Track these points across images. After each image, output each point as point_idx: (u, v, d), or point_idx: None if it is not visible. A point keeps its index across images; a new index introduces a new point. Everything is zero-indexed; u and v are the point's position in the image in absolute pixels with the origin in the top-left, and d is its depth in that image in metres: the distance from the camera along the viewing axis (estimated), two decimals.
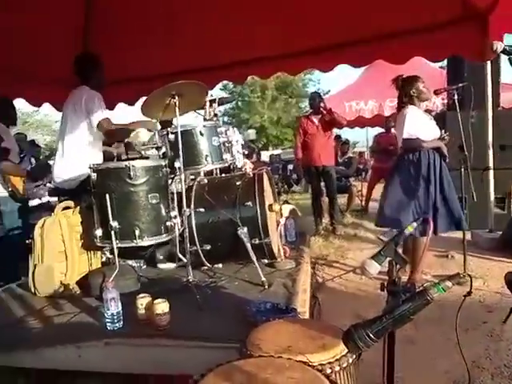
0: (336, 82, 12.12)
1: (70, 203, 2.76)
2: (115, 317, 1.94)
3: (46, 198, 4.74)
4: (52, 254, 2.53)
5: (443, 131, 3.41)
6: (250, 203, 2.66)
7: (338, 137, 8.34)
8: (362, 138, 16.04)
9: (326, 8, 3.42)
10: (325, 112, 5.28)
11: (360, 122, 9.01)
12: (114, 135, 3.11)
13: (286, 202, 4.45)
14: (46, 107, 4.68)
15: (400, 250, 1.29)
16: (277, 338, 1.34)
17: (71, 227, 2.62)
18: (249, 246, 2.55)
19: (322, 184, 5.59)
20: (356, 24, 3.53)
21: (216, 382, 1.09)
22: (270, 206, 2.80)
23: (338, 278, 3.33)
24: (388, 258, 1.27)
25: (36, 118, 23.65)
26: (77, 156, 2.96)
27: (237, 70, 4.34)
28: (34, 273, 2.55)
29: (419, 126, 3.19)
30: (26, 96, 4.19)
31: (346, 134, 10.18)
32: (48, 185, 4.38)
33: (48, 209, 4.45)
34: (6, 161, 3.37)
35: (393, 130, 6.82)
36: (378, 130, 8.50)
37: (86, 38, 4.11)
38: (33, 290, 2.56)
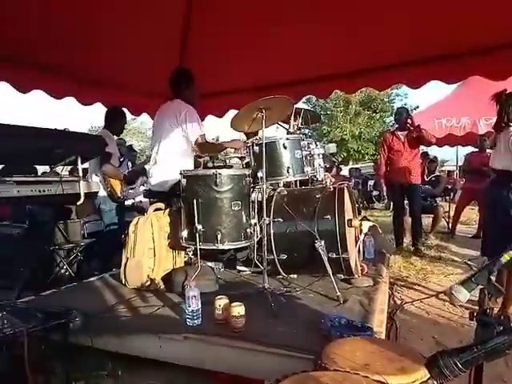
0: (425, 97, 11.43)
1: (161, 205, 3.00)
2: (195, 314, 2.06)
3: (138, 199, 5.17)
4: (142, 250, 2.76)
5: None
6: (328, 216, 2.65)
7: (425, 154, 7.91)
8: (451, 157, 15.02)
9: (418, 21, 3.31)
10: (412, 128, 5.05)
11: (450, 140, 8.45)
12: (205, 150, 3.36)
13: (366, 218, 4.33)
14: (142, 116, 5.13)
15: (493, 279, 1.20)
16: (353, 354, 1.32)
17: (161, 227, 2.84)
18: (325, 259, 2.54)
19: (406, 202, 5.34)
20: (450, 37, 3.35)
21: None
22: (350, 221, 2.76)
23: (418, 302, 3.15)
24: (479, 286, 1.19)
25: (133, 125, 26.16)
26: (170, 162, 3.21)
27: (323, 84, 4.36)
28: (125, 265, 2.80)
29: None
30: (129, 106, 4.62)
31: (434, 151, 9.59)
32: (142, 187, 4.76)
33: (140, 209, 4.86)
34: (109, 164, 3.75)
35: (488, 149, 6.31)
36: (470, 149, 7.91)
37: (182, 53, 4.43)
38: (123, 281, 2.82)
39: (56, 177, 2.64)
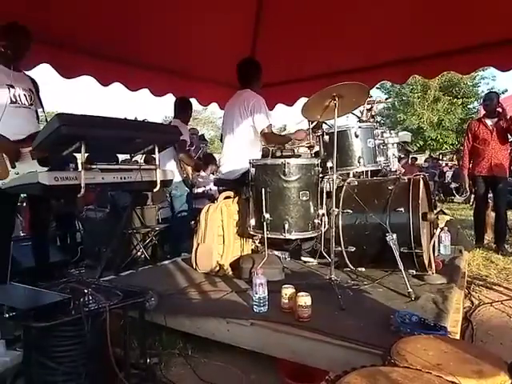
0: None
1: (231, 193, 3.09)
2: (261, 301, 2.10)
3: (208, 187, 5.36)
4: (212, 237, 2.87)
5: None
6: (402, 209, 2.54)
7: None
8: None
9: None
10: (503, 118, 4.58)
11: None
12: (271, 140, 3.36)
13: (442, 212, 4.08)
14: (212, 105, 5.25)
15: None
16: (425, 353, 1.26)
17: (230, 215, 2.93)
18: (397, 253, 2.43)
19: (490, 196, 4.90)
20: None
21: (358, 382, 1.09)
22: (425, 214, 2.62)
23: (498, 304, 2.91)
24: None
25: (204, 114, 27.14)
26: (240, 152, 3.26)
27: (399, 69, 4.14)
28: (196, 250, 2.93)
29: None
30: (198, 96, 4.76)
31: None
32: (211, 176, 4.93)
33: (210, 196, 5.04)
34: (185, 151, 3.93)
35: None
36: None
37: (253, 43, 4.45)
38: (194, 266, 2.96)
39: (135, 165, 2.83)
